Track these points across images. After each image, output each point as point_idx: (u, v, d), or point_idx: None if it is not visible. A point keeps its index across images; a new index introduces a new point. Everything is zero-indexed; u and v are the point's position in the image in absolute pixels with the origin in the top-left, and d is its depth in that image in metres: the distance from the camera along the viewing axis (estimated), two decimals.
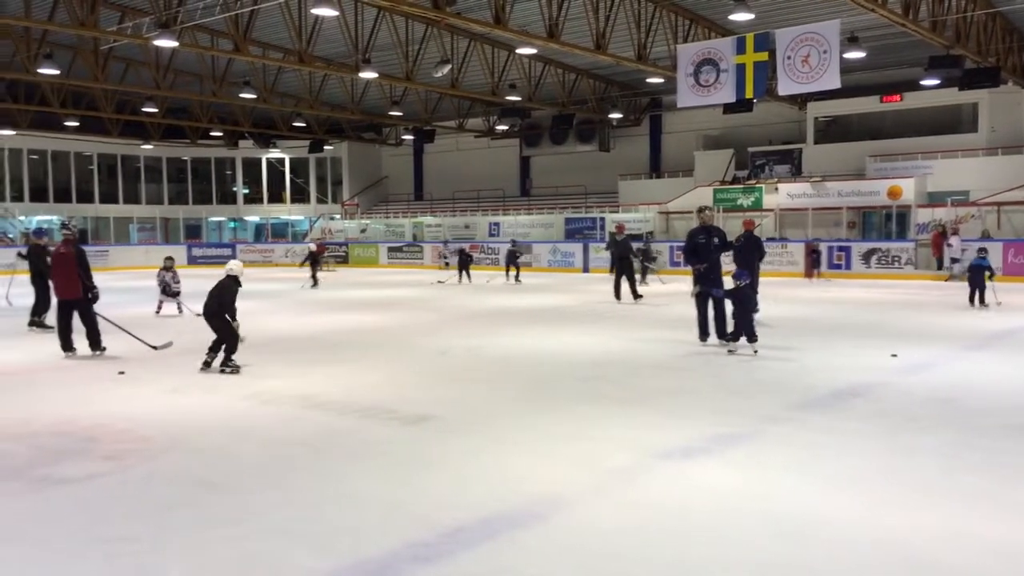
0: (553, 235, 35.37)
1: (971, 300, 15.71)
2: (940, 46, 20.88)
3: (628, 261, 18.09)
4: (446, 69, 26.24)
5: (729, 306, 10.85)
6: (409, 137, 41.35)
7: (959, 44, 21.14)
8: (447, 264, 29.04)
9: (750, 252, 14.38)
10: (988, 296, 15.72)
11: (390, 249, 38.52)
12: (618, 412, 7.27)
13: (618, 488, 5.19)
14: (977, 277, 15.74)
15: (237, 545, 4.30)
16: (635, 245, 19.60)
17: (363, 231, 42.12)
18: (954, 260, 23.34)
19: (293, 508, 4.86)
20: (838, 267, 26.04)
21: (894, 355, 9.98)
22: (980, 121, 27.98)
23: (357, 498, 5.03)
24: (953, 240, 23.60)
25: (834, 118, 31.21)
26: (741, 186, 31.08)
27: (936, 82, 24.04)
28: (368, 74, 25.69)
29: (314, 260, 24.36)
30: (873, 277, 25.13)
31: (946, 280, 22.89)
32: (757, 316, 11.78)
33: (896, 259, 25.41)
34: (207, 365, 9.31)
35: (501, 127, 37.79)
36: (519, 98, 31.29)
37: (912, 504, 4.83)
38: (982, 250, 16.95)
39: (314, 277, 23.79)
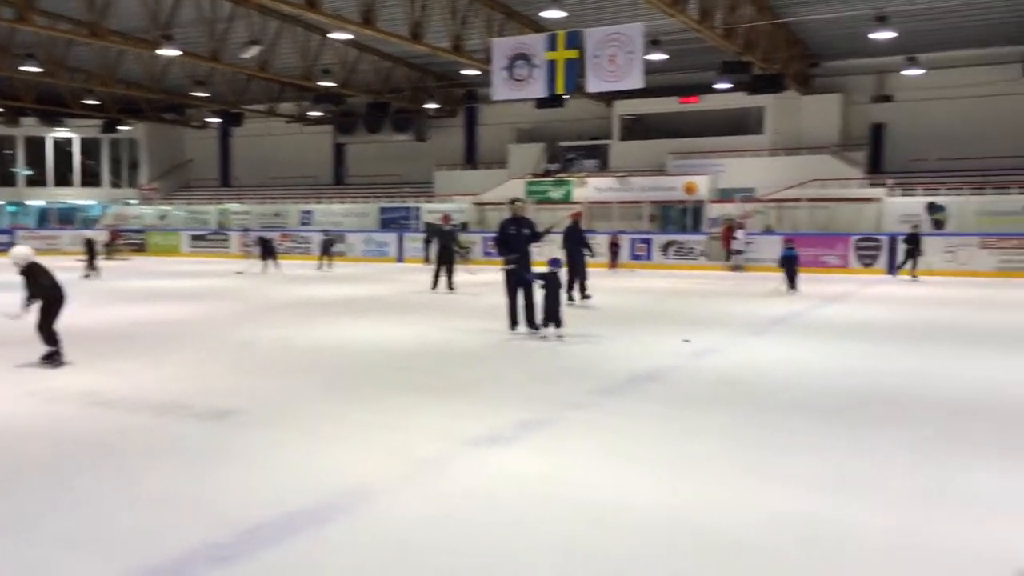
0: (368, 224, 34.96)
1: (790, 286, 17.77)
2: (732, 52, 22.44)
3: (450, 251, 18.27)
4: (254, 50, 25.21)
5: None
6: (215, 120, 39.40)
7: (749, 51, 22.81)
8: (249, 252, 27.92)
9: (574, 242, 15.11)
10: (785, 283, 17.52)
11: (193, 237, 36.63)
12: (430, 402, 7.31)
13: (427, 478, 5.23)
14: (789, 265, 17.91)
15: (15, 556, 3.96)
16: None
17: (163, 217, 39.78)
18: (738, 252, 25.21)
19: (79, 513, 4.53)
20: (640, 258, 27.45)
21: (687, 341, 10.66)
22: (765, 124, 30.35)
23: (150, 499, 4.76)
24: (739, 233, 25.49)
25: (638, 116, 32.79)
26: (552, 179, 32.02)
27: (728, 86, 25.82)
28: (169, 51, 24.24)
29: (91, 248, 22.24)
30: (671, 267, 26.71)
31: (731, 270, 24.69)
32: (590, 302, 12.29)
33: (691, 251, 27.13)
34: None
35: (314, 113, 36.83)
36: (333, 84, 30.63)
37: (702, 479, 5.18)
38: (790, 241, 18.88)
39: (92, 266, 21.84)
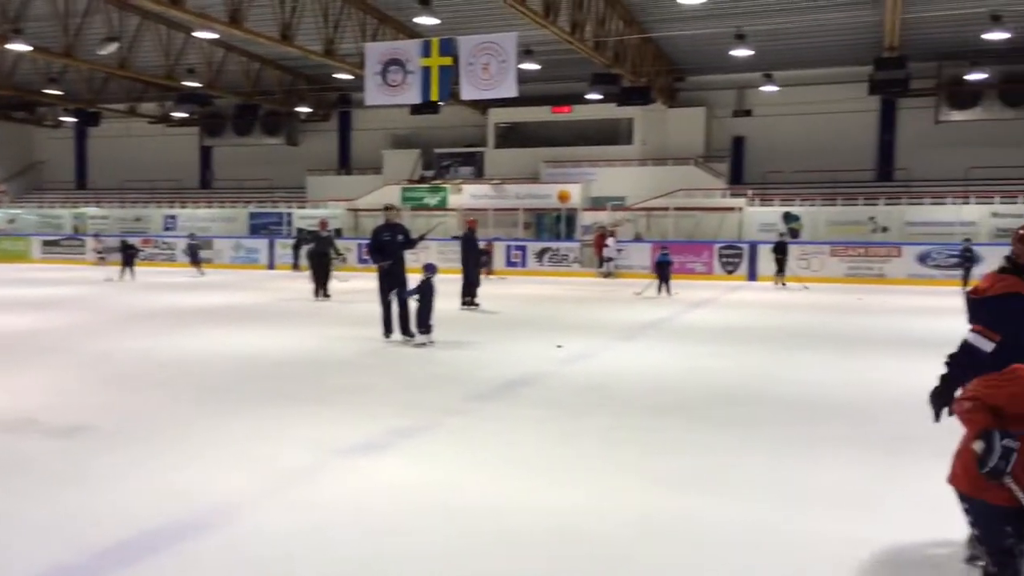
0: (237, 230, 33.86)
1: (659, 290, 18.78)
2: (602, 64, 23.03)
3: (328, 258, 17.98)
4: (113, 47, 23.99)
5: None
6: (70, 119, 37.20)
7: (618, 64, 23.48)
8: (103, 259, 26.49)
9: (467, 249, 15.43)
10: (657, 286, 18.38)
11: (45, 243, 34.51)
12: (300, 412, 7.14)
13: (295, 489, 5.10)
14: (662, 270, 19.10)
15: None
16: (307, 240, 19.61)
17: (11, 222, 37.28)
18: (609, 259, 25.88)
19: None
20: (515, 264, 27.75)
21: (560, 346, 10.85)
22: (635, 135, 31.30)
23: None
24: (610, 241, 26.17)
25: (512, 125, 33.17)
26: (428, 186, 31.95)
27: (599, 97, 26.46)
28: (19, 46, 22.76)
29: None
30: (545, 274, 27.13)
31: (603, 277, 25.32)
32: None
33: (565, 258, 27.64)
34: None
35: (178, 114, 35.32)
36: (198, 84, 29.51)
37: (575, 482, 5.28)
38: (664, 248, 20.20)
39: None
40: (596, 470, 5.54)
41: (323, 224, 18.86)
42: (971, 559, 3.81)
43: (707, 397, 7.95)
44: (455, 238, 29.37)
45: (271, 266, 30.65)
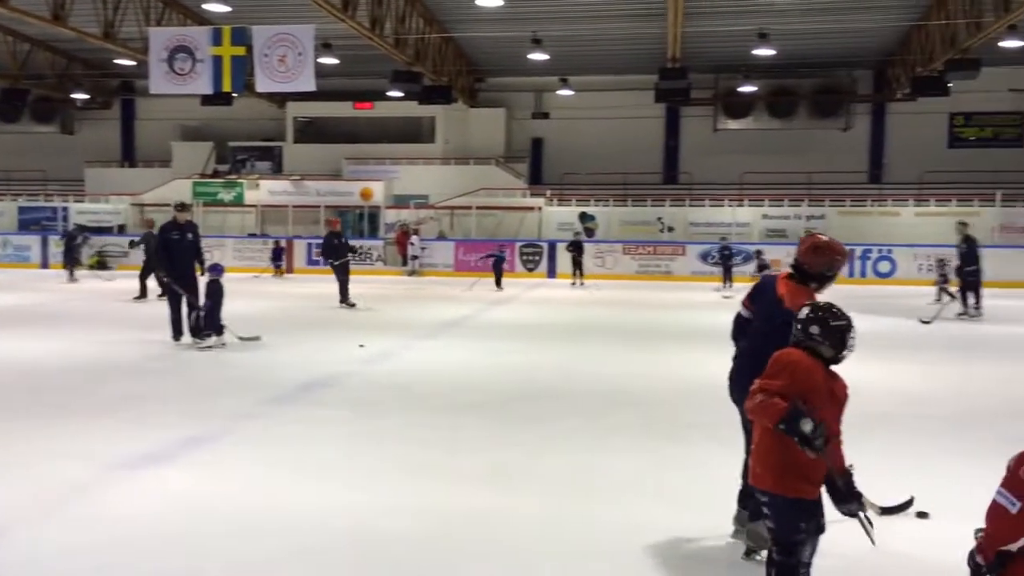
0: (4, 226, 30.74)
1: (497, 285, 20.10)
2: (403, 62, 22.95)
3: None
4: None
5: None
6: None
7: (419, 62, 23.48)
8: None
9: (337, 250, 15.03)
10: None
11: None
12: (78, 424, 6.59)
13: (72, 507, 4.72)
14: (497, 267, 20.53)
15: None
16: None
17: None
18: (414, 257, 25.88)
19: None
20: (317, 263, 27.08)
21: (362, 346, 10.71)
22: (437, 133, 31.43)
23: None
24: (414, 239, 26.16)
25: (312, 119, 32.33)
26: (222, 180, 30.51)
27: (400, 94, 26.34)
28: None
29: None
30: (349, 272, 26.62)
31: (408, 275, 25.28)
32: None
33: (368, 256, 27.32)
34: None
35: None
36: None
37: (374, 483, 5.23)
38: (502, 247, 21.94)
39: None
40: (397, 471, 5.52)
41: (150, 222, 17.62)
42: (748, 553, 4.11)
43: (508, 394, 8.13)
44: (252, 236, 28.40)
45: (44, 265, 28.09)
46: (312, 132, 32.47)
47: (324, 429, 6.56)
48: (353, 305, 15.29)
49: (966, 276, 15.16)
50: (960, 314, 14.79)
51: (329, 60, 23.86)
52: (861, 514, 3.29)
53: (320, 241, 21.19)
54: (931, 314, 14.45)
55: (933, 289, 16.87)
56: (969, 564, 2.63)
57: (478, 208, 28.45)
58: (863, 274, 23.84)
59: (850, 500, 3.27)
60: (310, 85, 18.54)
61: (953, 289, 15.62)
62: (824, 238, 4.19)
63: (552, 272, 25.75)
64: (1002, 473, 2.57)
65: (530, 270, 26.29)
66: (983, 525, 2.60)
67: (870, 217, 26.11)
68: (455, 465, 5.69)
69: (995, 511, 2.55)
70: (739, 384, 4.02)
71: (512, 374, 9.15)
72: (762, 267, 19.11)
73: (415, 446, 6.14)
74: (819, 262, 4.05)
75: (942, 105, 26.23)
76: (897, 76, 26.76)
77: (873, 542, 3.32)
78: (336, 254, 15.61)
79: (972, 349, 11.64)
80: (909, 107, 27.29)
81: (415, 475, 5.42)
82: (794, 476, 3.25)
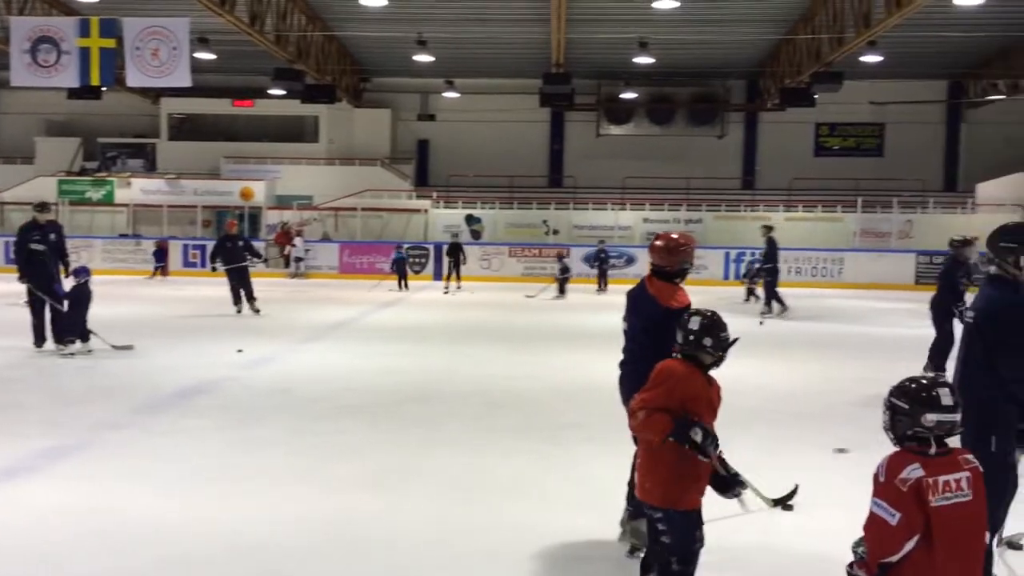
0: None
1: (400, 287, 20.53)
2: (284, 59, 22.43)
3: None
4: None
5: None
6: None
7: (301, 60, 23.00)
8: None
9: (233, 252, 14.30)
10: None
11: None
12: None
13: None
14: (400, 267, 21.03)
15: None
16: None
17: None
18: (299, 259, 25.35)
19: None
20: (194, 265, 26.12)
21: (240, 350, 10.39)
22: (321, 133, 30.88)
23: None
24: (297, 241, 25.62)
25: (188, 116, 31.17)
26: (90, 178, 29.04)
27: (282, 92, 25.73)
28: None
29: None
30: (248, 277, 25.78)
31: (291, 277, 24.73)
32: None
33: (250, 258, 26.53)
34: None
35: None
36: None
37: (250, 493, 5.08)
38: (399, 247, 22.30)
39: None
40: (276, 479, 5.38)
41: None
42: (632, 551, 4.20)
43: (393, 396, 8.07)
44: (123, 236, 27.12)
45: None
46: (188, 129, 31.31)
47: (199, 438, 6.34)
48: (257, 311, 14.67)
49: (764, 276, 15.95)
50: (763, 312, 15.37)
51: (206, 55, 23.08)
52: (744, 492, 3.45)
53: (199, 243, 20.58)
54: (762, 314, 15.11)
55: (742, 290, 17.93)
56: None
57: (363, 209, 28.11)
58: (737, 276, 24.83)
59: (733, 484, 3.39)
60: (185, 80, 17.91)
61: (760, 291, 16.51)
62: (674, 236, 4.41)
63: (438, 274, 25.67)
64: (867, 465, 2.66)
65: (416, 272, 26.14)
66: (860, 536, 2.64)
67: (744, 221, 27.21)
68: (337, 471, 5.60)
69: (875, 524, 2.58)
70: (628, 388, 4.13)
71: (396, 377, 9.08)
72: (565, 270, 19.65)
73: (295, 453, 6.01)
74: (675, 260, 4.31)
75: (809, 115, 27.71)
76: (768, 87, 28.04)
77: (770, 503, 3.44)
78: (227, 258, 14.85)
79: (832, 347, 12.28)
80: (779, 117, 28.64)
81: (295, 482, 5.30)
82: (684, 487, 3.31)
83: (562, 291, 19.67)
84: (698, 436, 3.22)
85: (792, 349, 11.82)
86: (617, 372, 4.44)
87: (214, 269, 15.15)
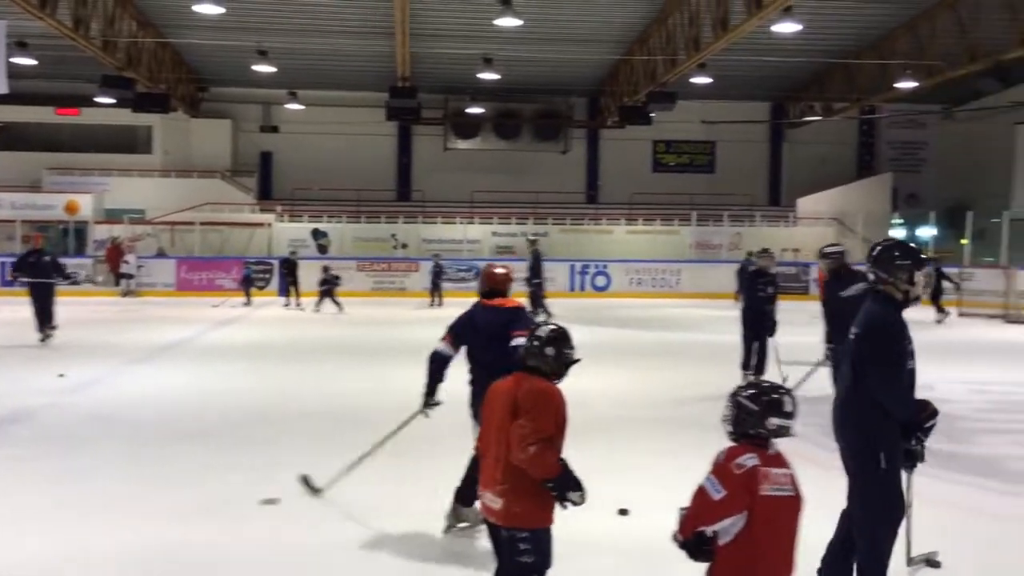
0: None
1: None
2: (113, 66, 21.23)
3: None
4: None
5: None
6: None
7: (131, 67, 21.84)
8: None
9: (39, 270, 13.02)
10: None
11: None
12: None
13: None
14: (247, 283, 21.08)
15: None
16: None
17: None
18: (129, 276, 23.97)
19: None
20: (10, 284, 24.18)
21: (61, 375, 9.71)
22: (155, 143, 29.44)
23: None
24: (129, 257, 24.25)
25: (6, 125, 28.95)
26: None
27: (111, 101, 24.36)
28: None
29: None
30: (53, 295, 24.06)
31: (122, 296, 23.39)
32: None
33: (74, 275, 24.86)
34: None
35: None
36: None
37: (60, 528, 4.75)
38: (248, 263, 21.82)
39: None
40: (93, 511, 5.06)
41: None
42: (448, 529, 4.26)
43: (232, 419, 7.76)
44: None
45: None
46: (6, 139, 29.07)
47: (14, 471, 5.87)
48: (47, 337, 13.00)
49: (531, 287, 16.61)
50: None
51: (26, 60, 21.50)
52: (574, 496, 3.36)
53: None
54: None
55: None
56: (674, 541, 2.88)
57: (202, 224, 26.96)
58: (582, 288, 25.55)
59: (577, 488, 3.32)
60: (2, 87, 16.63)
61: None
62: (502, 269, 5.07)
63: (283, 290, 24.97)
64: (695, 470, 2.83)
65: (260, 288, 25.31)
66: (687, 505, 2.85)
67: (587, 234, 28.06)
68: (168, 499, 5.33)
69: (700, 494, 2.81)
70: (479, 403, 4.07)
71: (235, 397, 8.75)
72: (326, 282, 19.57)
73: (122, 482, 5.67)
74: (511, 284, 5.00)
75: (647, 133, 28.94)
76: (608, 105, 29.07)
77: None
78: (31, 273, 13.66)
79: (677, 355, 12.84)
80: (619, 134, 29.76)
81: (122, 514, 5.01)
82: (548, 505, 3.32)
83: (325, 300, 19.31)
84: (576, 497, 3.23)
85: (640, 358, 12.25)
86: (466, 389, 4.66)
87: (15, 279, 13.83)
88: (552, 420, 3.28)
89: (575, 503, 3.26)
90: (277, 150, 31.39)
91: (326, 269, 20.31)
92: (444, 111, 30.41)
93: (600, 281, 25.82)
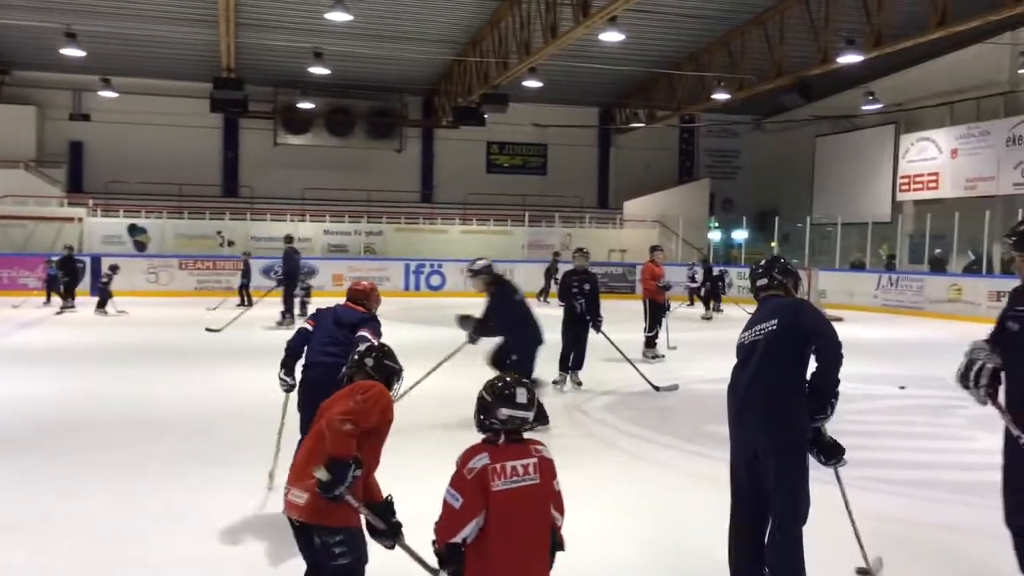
0: None
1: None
2: None
3: None
4: None
5: None
6: None
7: None
8: None
9: None
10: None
11: None
12: None
13: None
14: (52, 283, 19.80)
15: None
16: None
17: None
18: None
19: None
20: None
21: None
22: None
23: None
24: None
25: None
26: None
27: None
28: None
29: None
30: None
31: None
32: None
33: None
34: None
35: None
36: None
37: None
38: (50, 262, 20.29)
39: None
40: None
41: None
42: None
43: (31, 428, 7.20)
44: None
45: None
46: None
47: None
48: None
49: (280, 287, 16.73)
50: (279, 322, 16.00)
51: None
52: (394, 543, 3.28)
53: None
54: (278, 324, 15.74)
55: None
56: (434, 552, 2.89)
57: (3, 218, 24.83)
58: (417, 287, 25.53)
59: (393, 534, 3.25)
60: None
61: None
62: (366, 284, 5.58)
63: (95, 289, 23.42)
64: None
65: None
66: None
67: (422, 234, 28.05)
68: None
69: (444, 508, 2.83)
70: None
71: (35, 405, 8.12)
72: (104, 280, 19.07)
73: None
74: (377, 298, 5.52)
75: (481, 134, 29.29)
76: (442, 105, 29.15)
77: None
78: None
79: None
80: (454, 134, 29.91)
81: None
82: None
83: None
84: (322, 475, 3.07)
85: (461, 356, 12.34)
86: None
87: None
88: (378, 414, 3.25)
89: (381, 541, 3.23)
90: (89, 140, 29.27)
91: (114, 268, 19.37)
92: (274, 105, 29.43)
93: (435, 280, 25.89)
